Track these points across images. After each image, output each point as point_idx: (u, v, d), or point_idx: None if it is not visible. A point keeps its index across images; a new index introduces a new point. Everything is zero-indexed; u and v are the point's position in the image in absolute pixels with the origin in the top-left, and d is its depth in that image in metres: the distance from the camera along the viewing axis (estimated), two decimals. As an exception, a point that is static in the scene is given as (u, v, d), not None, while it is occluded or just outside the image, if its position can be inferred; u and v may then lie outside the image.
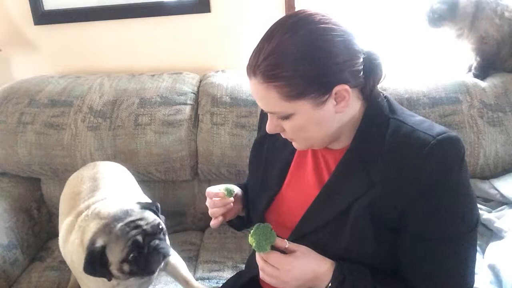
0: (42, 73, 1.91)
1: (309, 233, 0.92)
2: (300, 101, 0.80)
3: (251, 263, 1.05)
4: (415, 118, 0.87)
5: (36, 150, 1.66)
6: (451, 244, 0.83)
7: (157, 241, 1.13)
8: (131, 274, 1.12)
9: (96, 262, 1.09)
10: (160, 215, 1.21)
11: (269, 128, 0.89)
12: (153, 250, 1.12)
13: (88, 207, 1.26)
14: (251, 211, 1.08)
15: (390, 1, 1.83)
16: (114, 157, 1.63)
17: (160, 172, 1.66)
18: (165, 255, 1.15)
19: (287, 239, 0.90)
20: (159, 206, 1.23)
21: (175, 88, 1.71)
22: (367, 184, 0.84)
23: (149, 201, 1.41)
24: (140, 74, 1.83)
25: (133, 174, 1.65)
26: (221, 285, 1.22)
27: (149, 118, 1.64)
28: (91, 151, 1.64)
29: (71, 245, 1.21)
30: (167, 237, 1.21)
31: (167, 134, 1.63)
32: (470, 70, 1.68)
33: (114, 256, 1.10)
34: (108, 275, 1.12)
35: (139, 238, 1.11)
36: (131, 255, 1.09)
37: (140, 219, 1.14)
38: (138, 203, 1.21)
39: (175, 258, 1.36)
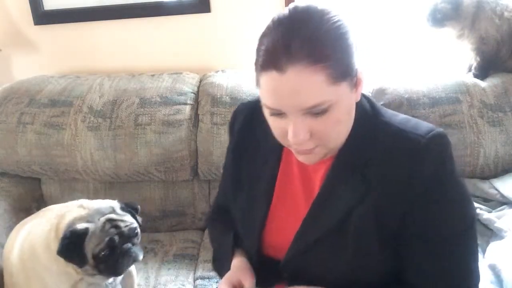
0: (42, 73, 1.91)
1: (306, 250, 0.87)
2: (343, 83, 0.75)
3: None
4: (399, 117, 0.86)
5: (36, 150, 1.66)
6: (453, 241, 0.82)
7: (130, 245, 1.16)
8: (97, 270, 1.13)
9: (76, 242, 1.08)
10: (138, 217, 1.22)
11: (302, 133, 0.76)
12: (125, 252, 1.14)
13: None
14: (243, 236, 0.98)
15: (390, 1, 1.83)
16: (114, 157, 1.63)
17: (160, 172, 1.66)
18: (134, 259, 1.17)
19: (283, 260, 0.88)
20: (139, 208, 1.23)
21: (175, 88, 1.71)
22: (363, 189, 0.82)
23: None
24: (140, 74, 1.83)
25: (133, 174, 1.66)
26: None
27: (149, 118, 1.64)
28: (91, 151, 1.64)
29: (41, 232, 1.19)
30: (139, 240, 1.22)
31: (167, 134, 1.63)
32: (470, 70, 1.68)
33: (90, 247, 1.10)
34: (82, 262, 1.11)
35: (116, 238, 1.12)
36: (103, 252, 1.10)
37: (121, 220, 1.15)
38: (119, 202, 1.21)
39: (134, 272, 1.37)
